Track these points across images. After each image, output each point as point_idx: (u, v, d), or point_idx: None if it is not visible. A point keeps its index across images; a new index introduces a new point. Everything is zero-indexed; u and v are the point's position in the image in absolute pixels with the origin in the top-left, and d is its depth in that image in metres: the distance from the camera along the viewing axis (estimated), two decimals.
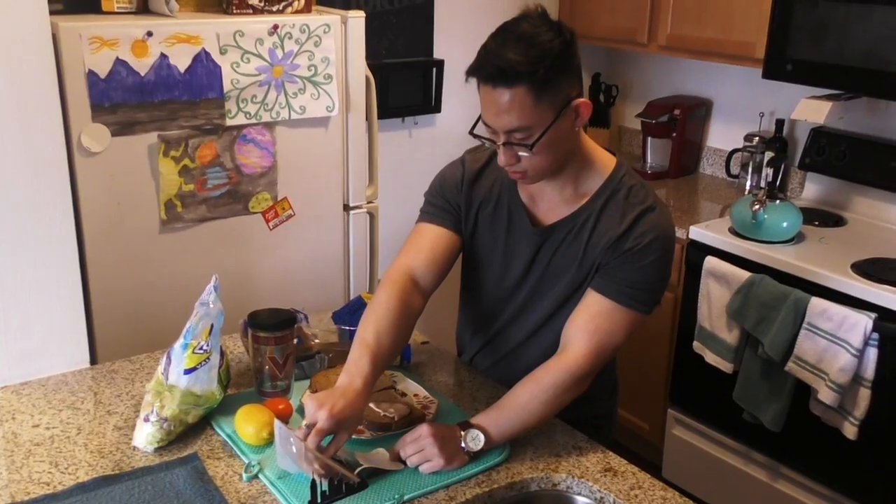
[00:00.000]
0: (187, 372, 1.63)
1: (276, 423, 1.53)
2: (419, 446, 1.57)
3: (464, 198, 1.83)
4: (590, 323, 1.68)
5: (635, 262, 1.67)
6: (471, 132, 1.68)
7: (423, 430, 1.59)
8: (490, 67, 1.54)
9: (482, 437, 1.60)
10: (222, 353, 1.71)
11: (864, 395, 2.48)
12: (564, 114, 1.59)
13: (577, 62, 1.61)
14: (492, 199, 1.82)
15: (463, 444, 1.59)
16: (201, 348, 1.64)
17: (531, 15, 1.58)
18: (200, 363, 1.63)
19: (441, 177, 1.88)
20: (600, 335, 1.68)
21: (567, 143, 1.65)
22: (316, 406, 1.49)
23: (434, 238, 1.82)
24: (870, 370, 2.47)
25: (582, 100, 1.61)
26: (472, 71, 1.58)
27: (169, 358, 1.65)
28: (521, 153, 1.61)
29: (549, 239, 1.76)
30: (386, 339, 1.65)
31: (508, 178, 1.75)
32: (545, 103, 1.56)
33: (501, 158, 1.64)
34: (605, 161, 1.75)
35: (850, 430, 2.54)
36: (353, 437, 1.64)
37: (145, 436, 1.62)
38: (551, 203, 1.76)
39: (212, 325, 1.65)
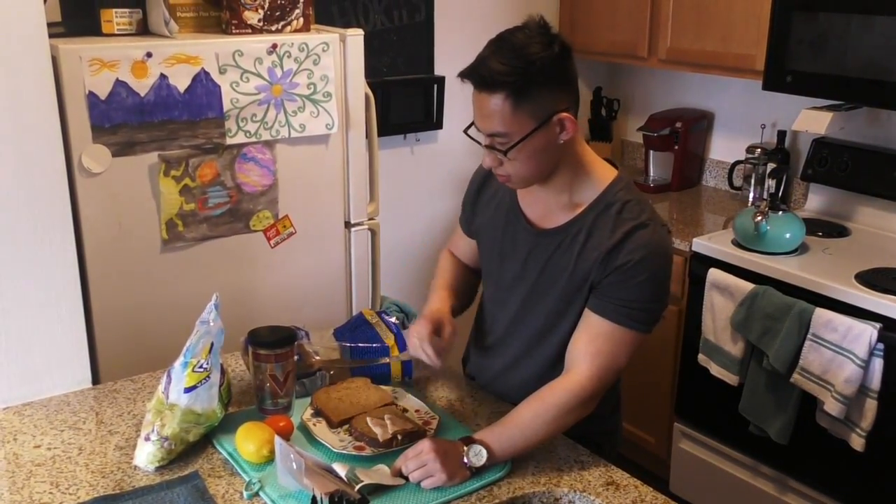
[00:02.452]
0: (187, 390, 1.63)
1: (277, 440, 1.53)
2: (421, 461, 1.57)
3: (473, 195, 1.95)
4: (591, 345, 1.69)
5: (628, 279, 1.66)
6: (465, 131, 1.74)
7: (425, 445, 1.59)
8: (475, 73, 1.60)
9: (485, 452, 1.60)
10: (223, 371, 1.71)
11: (871, 406, 2.47)
12: (546, 126, 1.61)
13: (570, 76, 1.63)
14: (496, 197, 1.89)
15: (465, 460, 1.59)
16: (201, 366, 1.63)
17: (529, 25, 1.61)
18: (200, 381, 1.63)
19: (470, 181, 2.01)
20: (602, 357, 1.68)
21: (550, 155, 1.66)
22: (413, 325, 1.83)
23: (459, 237, 2.07)
24: (876, 381, 2.45)
25: (567, 114, 1.62)
26: (463, 74, 1.63)
27: (169, 377, 1.65)
28: (499, 157, 1.65)
29: (542, 243, 1.78)
30: (458, 282, 2.01)
31: None
32: (525, 112, 1.59)
33: (486, 160, 1.70)
34: (603, 173, 1.75)
35: (857, 442, 2.52)
36: (354, 453, 1.64)
37: (146, 455, 1.62)
38: (546, 209, 1.78)
39: (212, 344, 1.65)
